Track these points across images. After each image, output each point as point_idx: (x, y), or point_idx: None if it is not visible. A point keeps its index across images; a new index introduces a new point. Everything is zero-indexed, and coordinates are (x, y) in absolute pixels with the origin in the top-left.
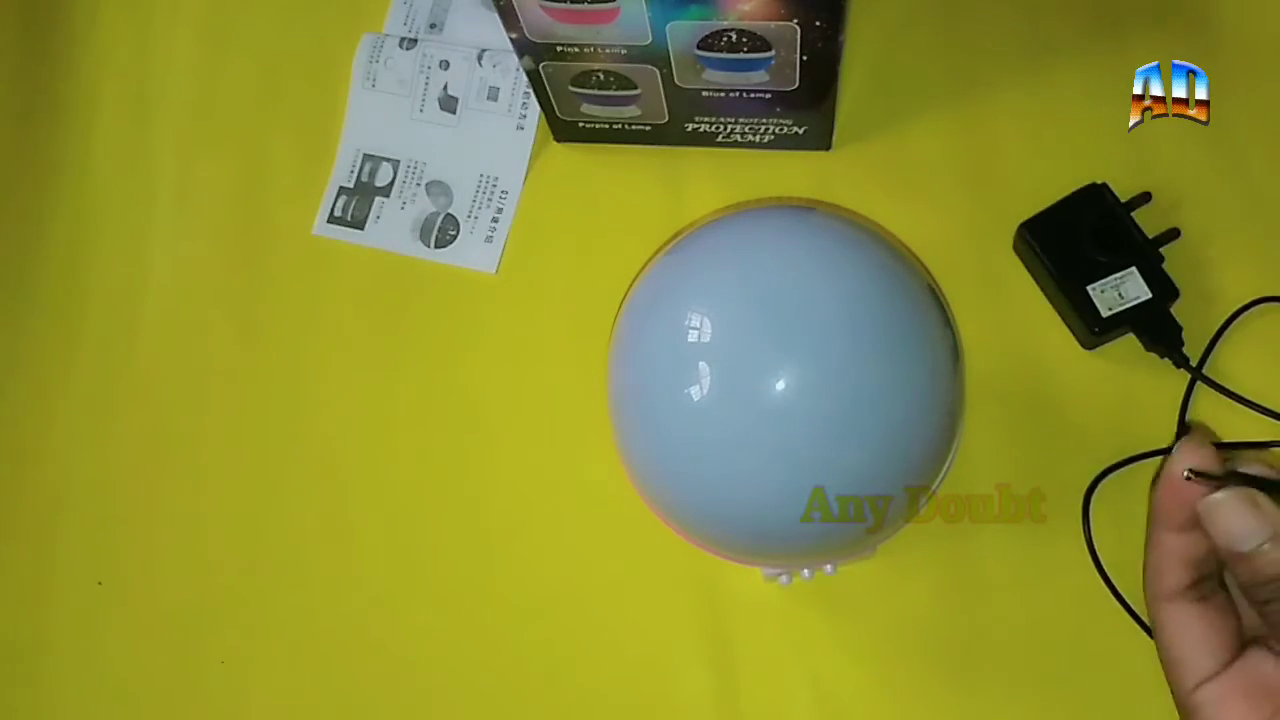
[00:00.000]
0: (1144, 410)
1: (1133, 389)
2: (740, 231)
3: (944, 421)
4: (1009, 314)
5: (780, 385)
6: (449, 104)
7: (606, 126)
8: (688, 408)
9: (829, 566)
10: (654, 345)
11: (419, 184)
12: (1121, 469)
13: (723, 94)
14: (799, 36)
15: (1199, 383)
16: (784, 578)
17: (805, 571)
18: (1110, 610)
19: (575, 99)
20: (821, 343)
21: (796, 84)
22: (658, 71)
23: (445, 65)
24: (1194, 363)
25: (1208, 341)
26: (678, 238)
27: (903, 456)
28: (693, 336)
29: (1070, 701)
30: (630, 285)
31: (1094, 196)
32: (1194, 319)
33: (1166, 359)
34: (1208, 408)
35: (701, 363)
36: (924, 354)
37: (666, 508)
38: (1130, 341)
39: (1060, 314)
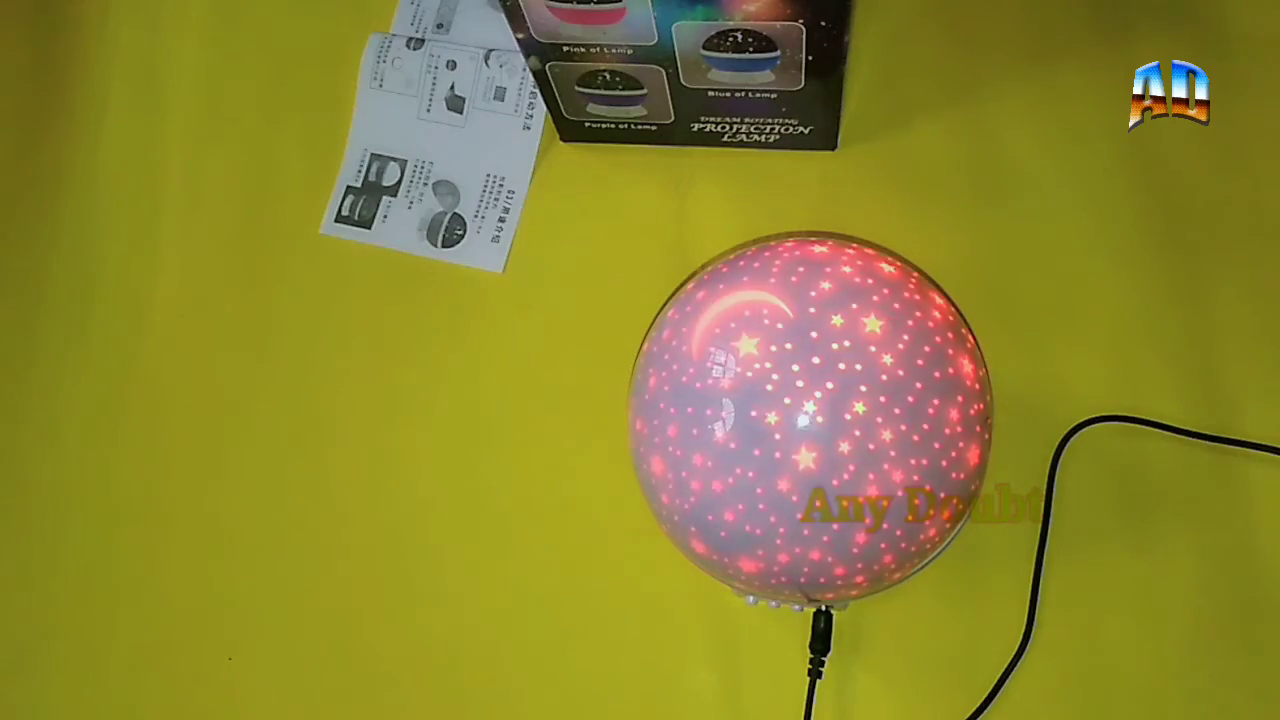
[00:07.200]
0: None
1: None
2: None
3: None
4: None
5: (801, 423)
6: (456, 104)
7: (612, 126)
8: (705, 445)
9: (797, 606)
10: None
11: (426, 184)
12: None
13: (728, 94)
14: (804, 37)
15: None
16: (750, 598)
17: (772, 603)
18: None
19: (581, 99)
20: (838, 387)
21: (802, 84)
22: (664, 71)
23: (452, 65)
24: None
25: None
26: (693, 279)
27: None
28: (717, 372)
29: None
30: (637, 304)
31: None
32: None
33: None
34: None
35: (725, 399)
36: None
37: (673, 528)
38: None
39: None
